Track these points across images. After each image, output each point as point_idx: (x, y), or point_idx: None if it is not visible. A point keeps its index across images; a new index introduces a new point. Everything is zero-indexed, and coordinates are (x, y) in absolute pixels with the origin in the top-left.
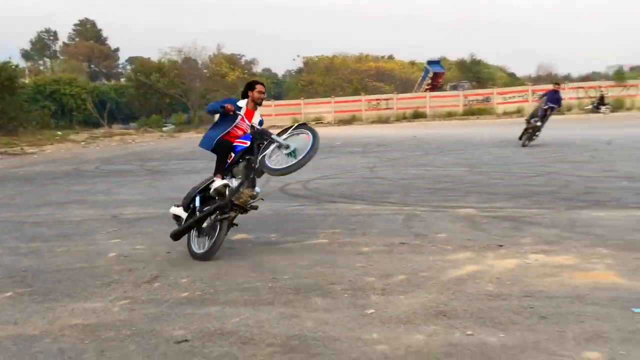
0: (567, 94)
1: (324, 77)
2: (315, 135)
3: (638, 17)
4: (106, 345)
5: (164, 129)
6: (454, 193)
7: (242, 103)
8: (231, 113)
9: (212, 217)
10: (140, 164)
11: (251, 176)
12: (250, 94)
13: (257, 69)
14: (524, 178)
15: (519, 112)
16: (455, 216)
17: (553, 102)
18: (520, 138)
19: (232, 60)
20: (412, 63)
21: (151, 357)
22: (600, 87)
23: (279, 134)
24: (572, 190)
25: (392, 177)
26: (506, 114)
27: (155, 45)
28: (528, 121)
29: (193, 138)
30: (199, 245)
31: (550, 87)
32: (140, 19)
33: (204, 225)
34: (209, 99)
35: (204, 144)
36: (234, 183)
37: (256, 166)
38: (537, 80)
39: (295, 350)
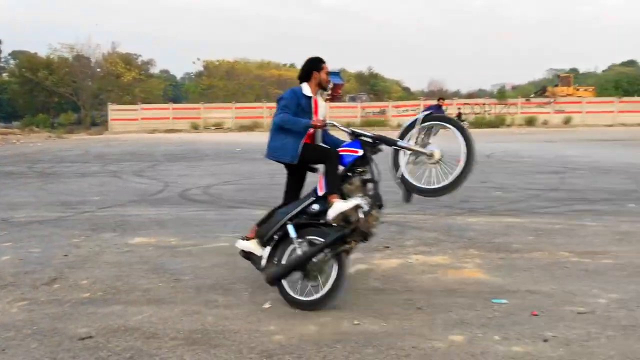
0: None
1: (225, 82)
2: (462, 130)
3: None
4: (6, 344)
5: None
6: None
7: (307, 90)
8: (323, 127)
9: (326, 250)
10: (28, 166)
11: (373, 194)
12: (315, 75)
13: (155, 70)
14: None
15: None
16: None
17: None
18: None
19: (128, 60)
20: None
21: (55, 353)
22: (484, 103)
23: (401, 136)
24: (452, 199)
25: None
26: (400, 126)
27: (43, 41)
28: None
29: (85, 140)
30: (302, 290)
31: (434, 102)
32: (25, 11)
33: (313, 261)
34: (102, 99)
35: (283, 155)
36: (364, 205)
37: (378, 181)
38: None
39: (198, 342)
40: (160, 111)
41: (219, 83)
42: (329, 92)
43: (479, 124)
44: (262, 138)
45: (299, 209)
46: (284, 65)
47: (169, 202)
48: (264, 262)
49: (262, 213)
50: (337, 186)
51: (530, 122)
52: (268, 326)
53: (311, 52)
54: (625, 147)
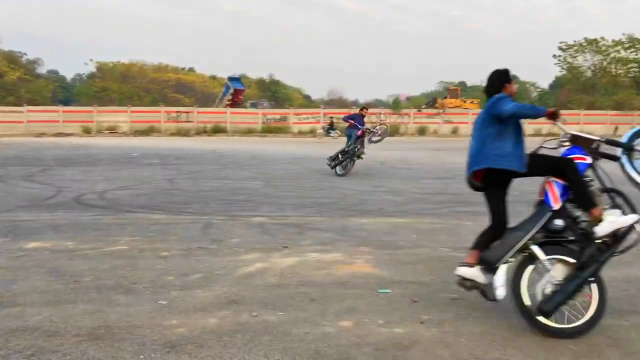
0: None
1: (120, 85)
2: None
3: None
4: None
5: None
6: (249, 204)
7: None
8: (556, 117)
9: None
10: None
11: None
12: (507, 87)
13: (42, 70)
14: (311, 191)
15: (312, 132)
16: (248, 224)
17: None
18: (333, 167)
19: (12, 59)
20: (214, 77)
21: None
22: (380, 113)
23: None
24: (348, 202)
25: (191, 189)
26: (301, 133)
27: None
28: (343, 151)
29: None
30: (559, 317)
31: (356, 110)
32: None
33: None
34: None
35: (509, 163)
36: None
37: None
38: (329, 103)
39: (102, 338)
40: (48, 114)
41: (113, 86)
42: (230, 97)
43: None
44: (159, 142)
45: (538, 226)
46: (182, 69)
47: (63, 207)
48: (500, 291)
49: (160, 217)
50: (594, 198)
51: (421, 131)
52: (171, 321)
53: (211, 56)
54: None
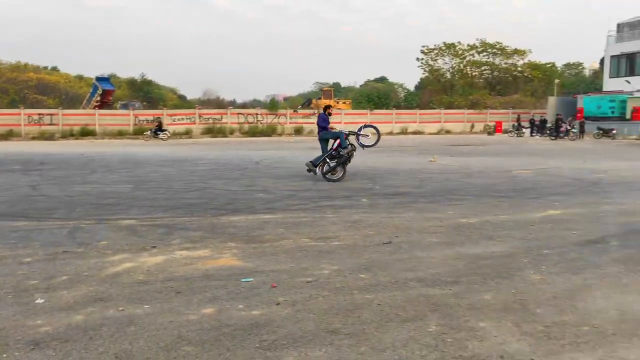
0: (230, 119)
1: None
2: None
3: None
4: None
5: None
6: (118, 207)
7: None
8: None
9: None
10: None
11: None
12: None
13: None
14: (183, 193)
15: (187, 133)
16: (117, 227)
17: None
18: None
19: None
20: (80, 77)
21: None
22: (257, 113)
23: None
24: (219, 202)
25: (57, 194)
26: (176, 134)
27: None
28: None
29: None
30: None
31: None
32: None
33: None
34: None
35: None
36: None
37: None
38: (205, 103)
39: None
40: None
41: None
42: (98, 98)
43: (253, 132)
44: (20, 147)
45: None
46: (45, 68)
47: None
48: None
49: (22, 224)
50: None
51: (298, 131)
52: (35, 321)
53: (77, 55)
54: (370, 152)
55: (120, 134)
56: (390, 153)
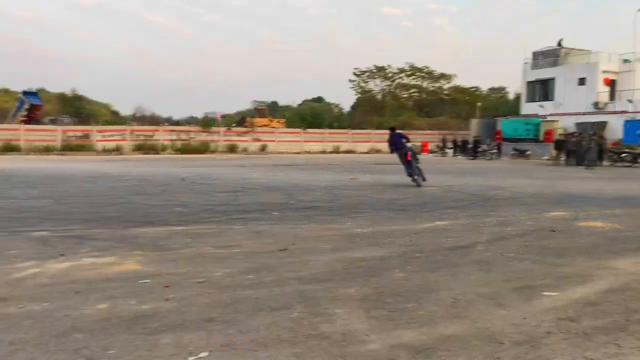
0: (163, 136)
1: None
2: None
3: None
4: None
5: None
6: (33, 220)
7: None
8: None
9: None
10: None
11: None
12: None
13: None
14: (101, 207)
15: (118, 150)
16: (29, 238)
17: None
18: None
19: None
20: (6, 91)
21: None
22: (189, 130)
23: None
24: (135, 215)
25: None
26: (106, 150)
27: None
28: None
29: None
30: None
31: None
32: None
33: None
34: None
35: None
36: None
37: None
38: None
39: None
40: None
41: None
42: (25, 113)
43: (185, 150)
44: None
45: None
46: None
47: None
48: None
49: None
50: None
51: (232, 149)
52: None
53: (3, 68)
54: (299, 170)
55: (48, 150)
56: (315, 171)
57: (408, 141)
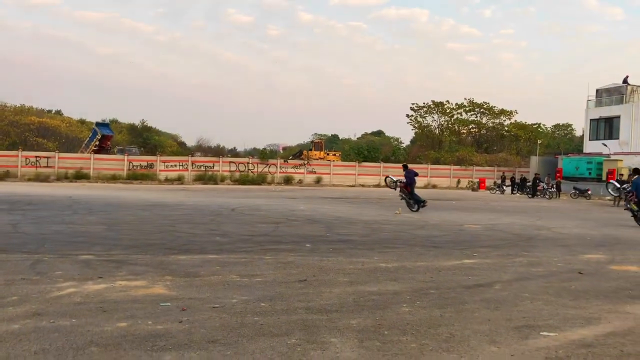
0: (222, 167)
1: None
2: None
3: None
4: None
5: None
6: (84, 245)
7: None
8: None
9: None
10: None
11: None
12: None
13: None
14: (148, 234)
15: (179, 179)
16: (76, 261)
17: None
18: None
19: None
20: (82, 122)
21: None
22: (247, 162)
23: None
24: (177, 243)
25: (32, 232)
26: (168, 180)
27: None
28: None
29: None
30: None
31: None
32: None
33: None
34: None
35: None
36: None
37: None
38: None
39: None
40: None
41: None
42: (97, 143)
43: (243, 181)
44: (13, 188)
45: (407, 196)
46: (49, 111)
47: None
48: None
49: None
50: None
51: (288, 180)
52: None
53: (78, 99)
54: (347, 203)
55: (114, 178)
56: (362, 204)
57: (416, 175)
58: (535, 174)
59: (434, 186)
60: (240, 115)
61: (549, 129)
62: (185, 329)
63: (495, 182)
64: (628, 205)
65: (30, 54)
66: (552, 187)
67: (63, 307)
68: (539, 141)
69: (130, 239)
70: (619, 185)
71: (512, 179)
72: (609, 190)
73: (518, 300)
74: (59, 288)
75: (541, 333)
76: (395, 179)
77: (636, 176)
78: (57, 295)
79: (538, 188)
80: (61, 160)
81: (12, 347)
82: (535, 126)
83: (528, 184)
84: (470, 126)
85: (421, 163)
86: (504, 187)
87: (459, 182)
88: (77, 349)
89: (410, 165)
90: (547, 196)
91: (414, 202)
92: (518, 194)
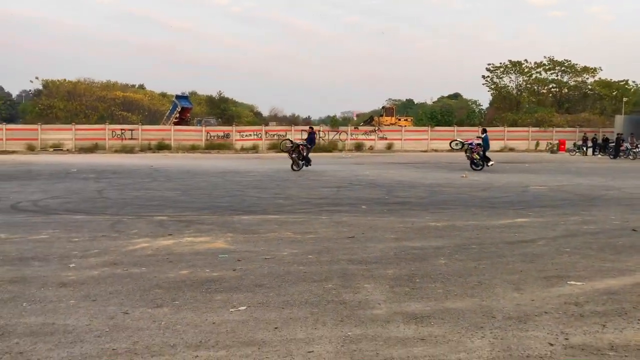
0: (294, 136)
1: (66, 103)
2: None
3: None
4: None
5: None
6: (159, 208)
7: None
8: None
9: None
10: None
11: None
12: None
13: None
14: (218, 198)
15: (254, 148)
16: (150, 221)
17: (308, 141)
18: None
19: None
20: (164, 95)
21: None
22: (319, 130)
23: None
24: (243, 205)
25: (115, 197)
26: (244, 149)
27: None
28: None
29: None
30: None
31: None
32: None
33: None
34: None
35: None
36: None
37: None
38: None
39: (17, 282)
40: None
41: (59, 103)
42: (177, 115)
43: (315, 149)
44: (101, 159)
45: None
46: (133, 86)
47: (0, 211)
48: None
49: (80, 218)
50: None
51: (358, 147)
52: (67, 273)
53: (160, 74)
54: (414, 168)
55: (193, 148)
56: (429, 169)
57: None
58: (618, 134)
59: (511, 149)
60: (314, 84)
61: (639, 85)
62: (237, 275)
63: (575, 144)
64: None
65: (114, 30)
66: (636, 147)
67: (135, 258)
68: (625, 99)
69: (201, 202)
70: None
71: (594, 140)
72: None
73: (557, 254)
74: (134, 243)
75: (568, 282)
76: (461, 141)
77: None
78: (132, 249)
79: (621, 148)
80: (144, 132)
81: (92, 288)
82: (622, 83)
83: (611, 144)
84: (550, 86)
85: (497, 126)
86: (585, 149)
87: (537, 144)
88: (144, 290)
89: (488, 129)
90: (630, 157)
91: (483, 160)
92: (599, 155)
